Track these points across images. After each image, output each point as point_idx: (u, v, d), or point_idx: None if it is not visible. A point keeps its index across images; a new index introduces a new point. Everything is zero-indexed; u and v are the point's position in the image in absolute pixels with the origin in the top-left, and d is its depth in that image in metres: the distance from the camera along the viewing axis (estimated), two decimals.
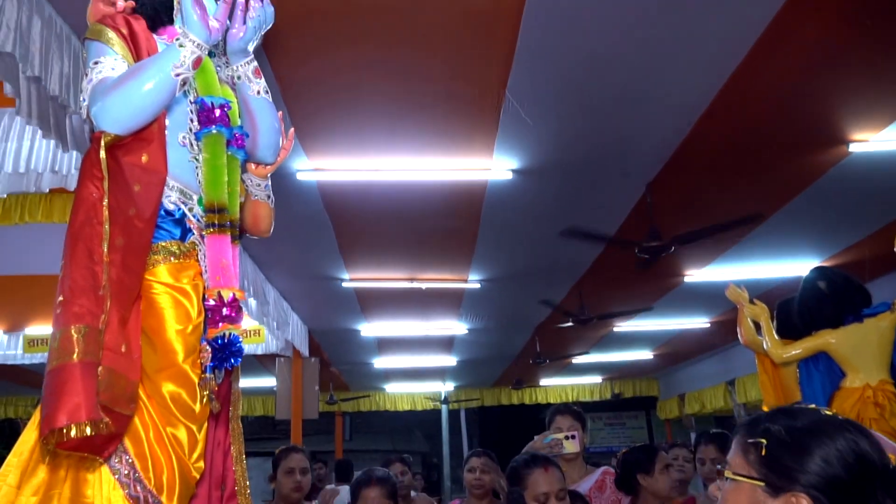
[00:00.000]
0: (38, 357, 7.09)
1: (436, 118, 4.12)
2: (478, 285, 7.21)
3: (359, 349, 10.46)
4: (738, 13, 3.35)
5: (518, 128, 4.18)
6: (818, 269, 3.99)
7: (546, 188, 5.01)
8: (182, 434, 1.67)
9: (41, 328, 7.17)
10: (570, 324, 7.45)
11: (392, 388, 14.23)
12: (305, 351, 8.26)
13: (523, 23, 3.32)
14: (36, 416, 1.67)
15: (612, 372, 13.97)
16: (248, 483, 2.02)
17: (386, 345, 10.24)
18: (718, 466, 1.74)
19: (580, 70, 3.74)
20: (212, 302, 1.77)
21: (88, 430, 1.45)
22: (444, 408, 15.31)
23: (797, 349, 3.84)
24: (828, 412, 1.20)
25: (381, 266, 6.76)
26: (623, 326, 9.50)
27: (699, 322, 9.55)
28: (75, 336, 1.50)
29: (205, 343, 1.76)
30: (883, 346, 3.67)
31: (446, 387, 14.61)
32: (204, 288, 1.78)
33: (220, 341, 1.77)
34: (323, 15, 3.22)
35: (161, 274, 1.73)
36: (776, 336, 3.94)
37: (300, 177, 4.69)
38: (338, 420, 14.14)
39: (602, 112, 4.16)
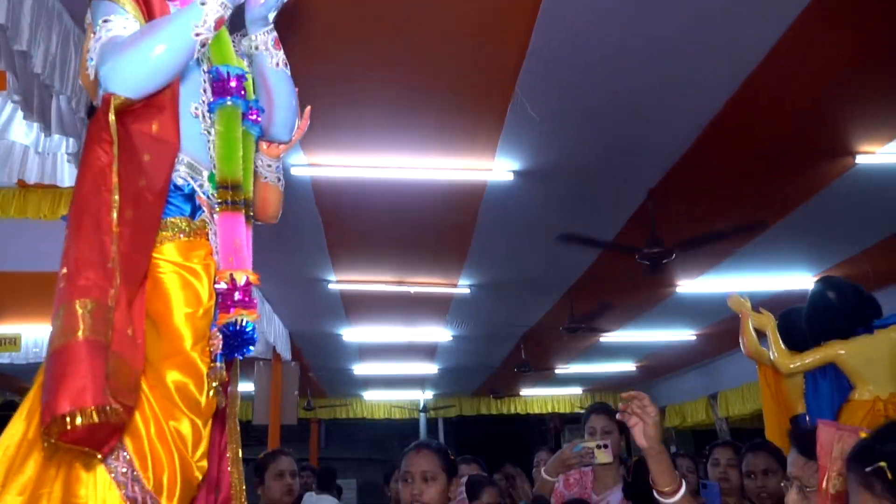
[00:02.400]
0: (5, 357, 6.78)
1: (440, 115, 3.99)
2: (468, 291, 7.08)
3: (340, 355, 10.26)
4: (750, 26, 3.32)
5: (523, 128, 4.07)
6: (827, 280, 3.92)
7: (546, 191, 4.90)
8: (186, 429, 1.51)
9: (6, 327, 6.84)
10: (560, 332, 7.33)
11: (370, 395, 14.03)
12: (287, 354, 8.05)
13: (536, 26, 3.25)
14: (24, 406, 1.49)
15: (593, 384, 13.91)
16: (244, 488, 1.86)
17: (368, 351, 10.06)
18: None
19: (588, 75, 3.67)
20: (223, 285, 1.61)
21: (96, 417, 1.26)
22: (422, 416, 15.12)
23: (806, 360, 3.75)
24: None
25: (370, 267, 6.60)
26: (609, 337, 9.42)
27: (685, 334, 9.51)
28: (80, 311, 1.32)
29: (215, 329, 1.61)
30: (894, 358, 3.60)
31: (425, 395, 14.43)
32: (215, 270, 1.63)
33: (231, 328, 1.62)
34: (326, 5, 3.08)
35: (169, 252, 1.57)
36: (783, 346, 3.85)
37: (294, 172, 4.53)
38: (313, 427, 13.89)
39: (608, 117, 4.08)
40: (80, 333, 1.29)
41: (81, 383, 1.25)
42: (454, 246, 5.99)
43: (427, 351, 10.16)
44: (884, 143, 4.44)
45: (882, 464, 1.03)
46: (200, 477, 1.54)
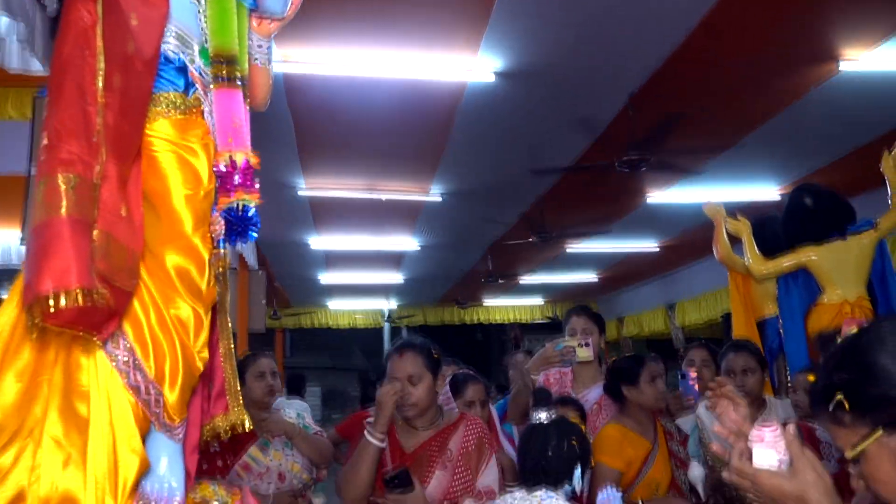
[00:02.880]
0: None
1: (422, 6, 3.81)
2: (439, 198, 7.01)
3: (306, 263, 10.20)
4: None
5: (509, 23, 3.92)
6: (805, 186, 3.96)
7: (527, 94, 4.79)
8: (187, 316, 1.45)
9: None
10: (530, 240, 7.36)
11: (335, 304, 14.09)
12: (253, 262, 7.94)
13: None
14: (14, 290, 1.41)
15: (555, 294, 14.17)
16: (237, 382, 1.82)
17: (334, 259, 10.01)
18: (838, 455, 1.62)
19: None
20: (223, 167, 1.53)
21: (80, 299, 1.18)
22: (386, 325, 15.31)
23: (779, 264, 3.83)
24: (853, 329, 1.10)
25: (341, 173, 6.46)
26: (576, 248, 9.53)
27: (649, 246, 9.66)
28: (63, 186, 1.23)
29: (216, 214, 1.53)
30: (862, 263, 3.69)
31: (390, 304, 14.56)
32: (213, 151, 1.53)
33: (233, 213, 1.54)
34: None
35: (163, 129, 1.47)
36: (757, 251, 3.91)
37: None
38: (278, 336, 13.98)
39: (595, 17, 3.97)
40: (62, 210, 1.20)
41: (64, 263, 1.17)
42: (428, 152, 5.87)
43: (394, 260, 10.16)
44: (867, 48, 4.40)
45: (839, 397, 1.03)
46: (202, 367, 1.49)
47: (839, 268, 3.69)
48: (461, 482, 2.31)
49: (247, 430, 1.71)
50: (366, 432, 2.19)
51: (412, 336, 2.48)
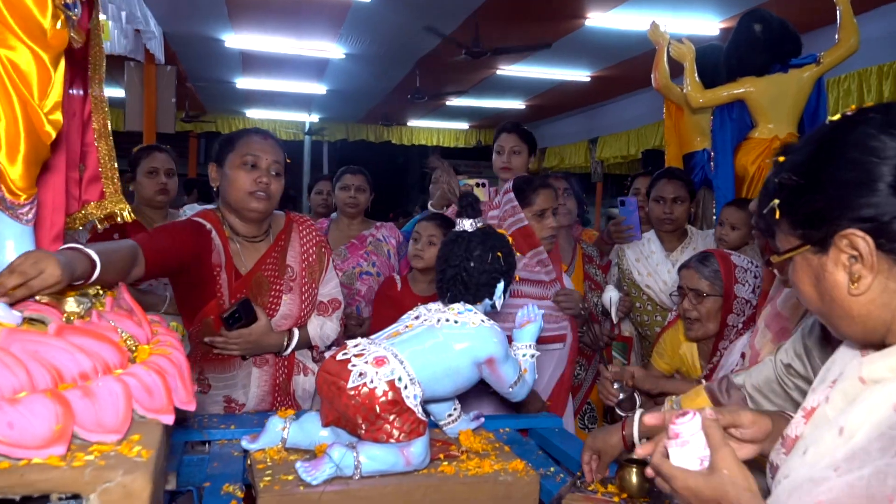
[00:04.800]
0: None
1: None
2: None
3: (220, 64, 9.46)
4: None
5: None
6: (755, 12, 3.74)
7: None
8: (26, 62, 1.13)
9: None
10: (462, 57, 6.96)
11: (253, 113, 13.41)
12: (160, 56, 7.25)
13: None
14: None
15: (481, 119, 13.91)
16: (115, 166, 1.56)
17: (252, 61, 9.30)
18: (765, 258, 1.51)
19: None
20: None
21: None
22: (306, 139, 14.81)
23: (717, 93, 3.70)
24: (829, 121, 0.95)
25: None
26: (507, 71, 9.17)
27: (580, 75, 9.40)
28: None
29: None
30: (800, 99, 3.61)
31: (311, 118, 13.98)
32: None
33: None
34: None
35: None
36: (697, 79, 3.76)
37: None
38: (192, 142, 13.30)
39: None
40: None
41: None
42: None
43: (317, 68, 9.54)
44: None
45: (774, 202, 0.93)
46: (53, 134, 1.20)
47: (776, 102, 3.60)
48: (310, 301, 2.18)
49: (127, 221, 1.49)
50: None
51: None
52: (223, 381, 2.08)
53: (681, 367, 2.24)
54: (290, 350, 2.11)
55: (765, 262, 1.72)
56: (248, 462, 1.44)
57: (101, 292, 1.25)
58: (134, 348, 1.09)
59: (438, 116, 13.51)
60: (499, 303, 1.55)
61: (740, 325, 2.05)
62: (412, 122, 14.15)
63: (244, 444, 1.48)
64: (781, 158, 0.98)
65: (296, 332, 2.12)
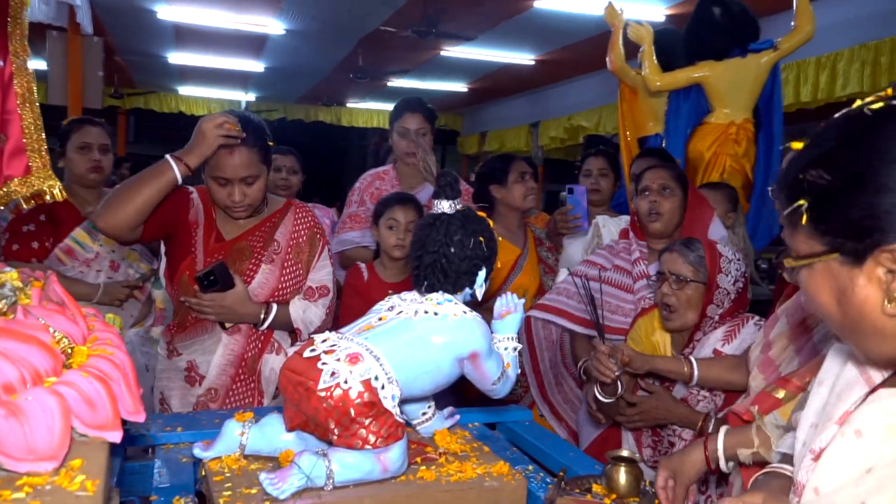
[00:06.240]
0: None
1: None
2: None
3: (152, 36, 8.98)
4: None
5: None
6: None
7: None
8: None
9: None
10: (406, 34, 6.77)
11: (187, 90, 12.86)
12: (87, 26, 6.80)
13: None
14: None
15: None
16: (42, 136, 1.37)
17: (186, 35, 8.86)
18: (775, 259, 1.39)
19: None
20: None
21: None
22: None
23: (674, 77, 3.66)
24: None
25: None
26: (451, 52, 9.01)
27: (525, 58, 9.33)
28: None
29: None
30: (756, 84, 3.60)
31: (248, 96, 13.51)
32: None
33: None
34: None
35: None
36: (655, 62, 3.71)
37: None
38: (121, 119, 12.68)
39: None
40: None
41: None
42: None
43: (255, 44, 9.17)
44: None
45: (801, 203, 0.81)
46: None
47: (734, 87, 3.58)
48: (291, 279, 2.15)
49: (57, 200, 1.30)
50: (169, 156, 1.90)
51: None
52: (191, 345, 2.09)
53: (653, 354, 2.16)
54: (266, 324, 2.08)
55: (776, 262, 1.64)
56: (202, 472, 1.27)
57: (23, 284, 1.06)
58: (69, 350, 0.92)
59: (380, 98, 13.24)
60: (479, 292, 1.43)
61: (716, 318, 1.98)
62: (353, 104, 13.85)
63: (197, 452, 1.31)
64: (798, 145, 0.86)
65: (274, 306, 2.09)
